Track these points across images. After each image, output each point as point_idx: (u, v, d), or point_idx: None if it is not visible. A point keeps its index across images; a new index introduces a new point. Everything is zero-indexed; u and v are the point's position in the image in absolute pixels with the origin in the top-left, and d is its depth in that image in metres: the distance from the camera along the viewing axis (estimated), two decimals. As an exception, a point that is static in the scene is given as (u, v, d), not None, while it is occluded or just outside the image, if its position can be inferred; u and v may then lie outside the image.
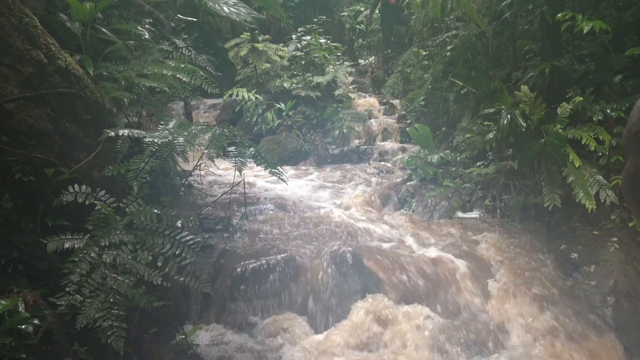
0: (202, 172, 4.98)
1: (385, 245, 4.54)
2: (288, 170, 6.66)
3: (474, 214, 5.27)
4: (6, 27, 2.76)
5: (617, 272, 3.78)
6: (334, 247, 4.15)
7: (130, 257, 2.60)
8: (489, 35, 5.28)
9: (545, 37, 4.94)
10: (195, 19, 5.86)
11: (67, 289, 2.43)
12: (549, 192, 4.18)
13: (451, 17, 6.85)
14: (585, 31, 4.11)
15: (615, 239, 4.03)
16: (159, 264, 2.70)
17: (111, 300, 2.43)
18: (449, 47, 6.61)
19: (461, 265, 4.16)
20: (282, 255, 4.06)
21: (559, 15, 4.38)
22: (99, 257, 2.56)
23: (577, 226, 4.37)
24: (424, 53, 7.80)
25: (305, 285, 3.92)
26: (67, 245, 2.58)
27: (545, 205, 4.17)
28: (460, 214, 5.29)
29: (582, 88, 4.62)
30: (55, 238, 2.61)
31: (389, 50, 11.01)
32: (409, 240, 4.70)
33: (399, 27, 11.00)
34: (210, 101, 9.04)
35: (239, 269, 3.90)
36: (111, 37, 3.87)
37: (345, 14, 12.67)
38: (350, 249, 4.12)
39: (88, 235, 2.69)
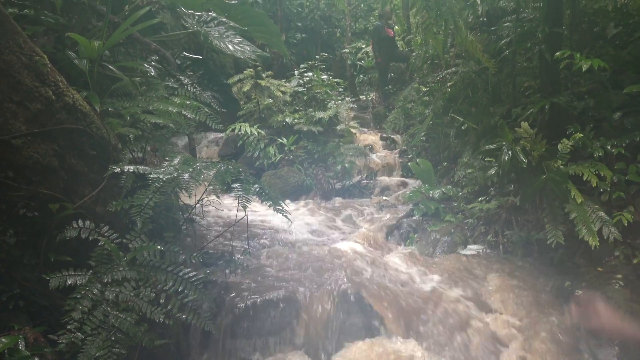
0: (204, 207, 4.98)
1: (388, 282, 4.50)
2: (290, 205, 6.66)
3: (477, 249, 5.24)
4: (16, 65, 2.81)
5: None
6: (336, 284, 4.12)
7: (132, 294, 2.58)
8: (490, 72, 5.36)
9: (544, 75, 5.02)
10: (200, 57, 5.96)
11: (69, 327, 2.41)
12: (551, 228, 4.17)
13: (450, 54, 6.99)
14: (584, 69, 4.18)
15: (619, 275, 4.00)
16: (161, 300, 2.68)
17: (112, 338, 2.41)
18: (449, 84, 6.73)
19: (464, 302, 4.12)
20: (284, 291, 4.02)
21: (558, 53, 4.46)
22: (102, 293, 2.54)
23: (581, 262, 4.35)
24: (424, 89, 7.93)
25: (307, 322, 3.87)
26: (69, 281, 2.57)
27: (548, 241, 4.16)
28: (462, 250, 5.26)
29: (582, 124, 4.67)
30: (58, 274, 2.60)
31: (390, 86, 11.17)
32: (412, 277, 4.66)
33: (396, 63, 11.24)
34: (212, 135, 9.12)
35: (240, 306, 3.85)
36: (118, 74, 3.94)
37: (347, 50, 12.92)
38: (352, 285, 4.09)
39: (91, 271, 2.68)
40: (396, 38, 11.08)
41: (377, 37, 10.63)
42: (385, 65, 10.96)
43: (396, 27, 11.27)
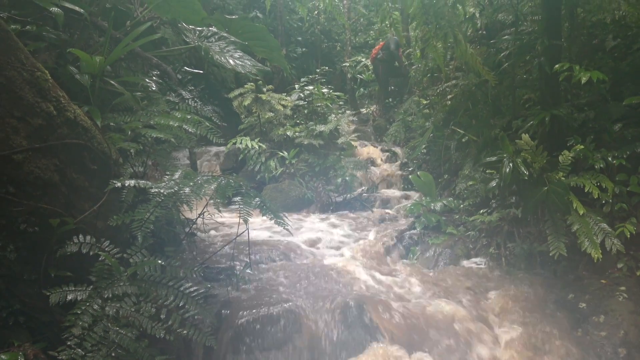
0: (205, 221, 4.98)
1: (390, 295, 4.47)
2: (291, 218, 6.65)
3: (479, 261, 5.21)
4: (18, 81, 2.83)
5: (627, 323, 3.71)
6: (338, 298, 4.09)
7: (133, 310, 2.57)
8: (490, 84, 5.38)
9: (543, 87, 5.04)
10: (201, 71, 5.99)
11: (69, 343, 2.39)
12: (554, 240, 4.15)
13: (450, 67, 7.03)
14: (583, 81, 4.20)
15: (623, 287, 3.98)
16: (162, 316, 2.66)
17: (113, 354, 2.39)
18: (449, 96, 6.75)
19: (467, 315, 4.09)
20: (286, 305, 3.99)
21: (557, 66, 4.48)
22: (102, 309, 2.53)
23: (584, 275, 4.33)
24: (424, 102, 7.96)
25: (309, 336, 3.84)
26: (70, 297, 2.56)
27: (550, 254, 4.14)
28: (465, 262, 5.24)
29: (583, 136, 4.67)
30: (58, 290, 2.59)
31: (390, 99, 11.21)
32: (414, 290, 4.64)
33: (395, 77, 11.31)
34: (214, 149, 9.14)
35: (241, 320, 3.83)
36: (119, 89, 3.95)
37: (347, 64, 12.97)
38: (354, 299, 4.07)
39: (91, 286, 2.67)
40: None
41: (391, 49, 10.60)
42: (385, 78, 11.03)
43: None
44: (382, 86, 11.27)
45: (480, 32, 7.02)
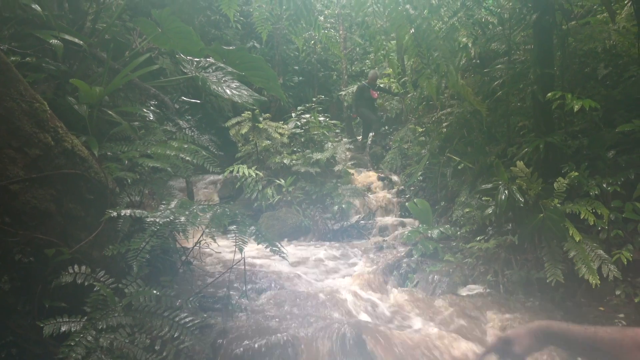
0: (201, 249, 4.96)
1: (388, 324, 4.44)
2: (288, 246, 6.63)
3: (477, 289, 5.18)
4: (16, 112, 2.86)
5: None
6: (335, 327, 4.05)
7: (127, 341, 2.54)
8: (484, 114, 5.45)
9: (537, 114, 5.09)
10: (198, 101, 6.05)
11: (61, 376, 2.36)
12: (551, 267, 4.15)
13: (445, 95, 7.12)
14: (575, 110, 4.25)
15: (622, 315, 3.95)
16: (157, 347, 2.63)
17: (106, 386, 2.35)
18: (444, 124, 6.82)
19: (467, 345, 4.04)
20: (281, 334, 3.94)
21: (550, 94, 4.54)
22: (96, 340, 2.50)
23: (582, 302, 4.30)
24: (420, 130, 8.03)
25: (306, 367, 3.79)
26: (63, 328, 2.53)
27: (548, 280, 4.12)
28: (462, 290, 5.20)
29: (577, 163, 4.71)
30: (52, 321, 2.56)
31: (386, 127, 11.32)
32: (412, 318, 4.60)
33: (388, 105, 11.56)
34: (210, 177, 9.17)
35: (237, 351, 3.77)
36: (116, 119, 3.99)
37: (343, 92, 13.13)
38: (352, 328, 4.02)
39: (86, 317, 2.64)
40: (391, 80, 11.34)
41: (360, 96, 11.00)
42: (366, 117, 11.34)
43: (389, 70, 11.51)
44: (364, 123, 11.66)
45: (474, 61, 7.13)
